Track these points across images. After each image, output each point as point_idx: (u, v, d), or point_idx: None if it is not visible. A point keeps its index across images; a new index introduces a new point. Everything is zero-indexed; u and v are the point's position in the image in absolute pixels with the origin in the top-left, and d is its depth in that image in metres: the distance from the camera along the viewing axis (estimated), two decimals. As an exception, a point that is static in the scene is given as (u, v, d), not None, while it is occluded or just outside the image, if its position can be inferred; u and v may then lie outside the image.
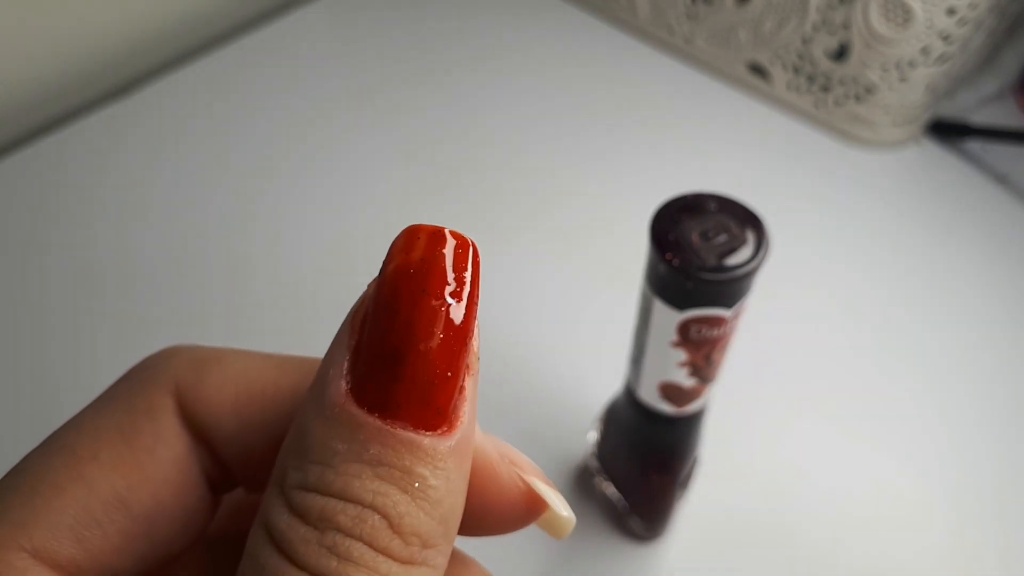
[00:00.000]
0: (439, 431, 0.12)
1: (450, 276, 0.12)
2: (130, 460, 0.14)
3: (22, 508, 0.13)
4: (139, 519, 0.14)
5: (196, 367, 0.15)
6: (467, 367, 0.12)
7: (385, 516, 0.12)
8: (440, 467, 0.12)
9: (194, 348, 0.15)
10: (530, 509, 0.15)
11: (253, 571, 0.12)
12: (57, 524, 0.13)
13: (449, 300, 0.12)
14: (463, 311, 0.12)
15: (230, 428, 0.15)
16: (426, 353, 0.12)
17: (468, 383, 0.12)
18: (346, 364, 0.12)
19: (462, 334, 0.12)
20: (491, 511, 0.15)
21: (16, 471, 0.13)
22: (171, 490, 0.14)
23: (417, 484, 0.12)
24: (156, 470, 0.14)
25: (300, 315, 0.41)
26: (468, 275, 0.12)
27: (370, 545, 0.11)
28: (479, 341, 0.13)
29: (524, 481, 0.15)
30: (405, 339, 0.12)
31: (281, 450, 0.13)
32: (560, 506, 0.15)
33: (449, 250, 0.12)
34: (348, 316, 0.13)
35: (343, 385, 0.12)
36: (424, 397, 0.12)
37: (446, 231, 0.12)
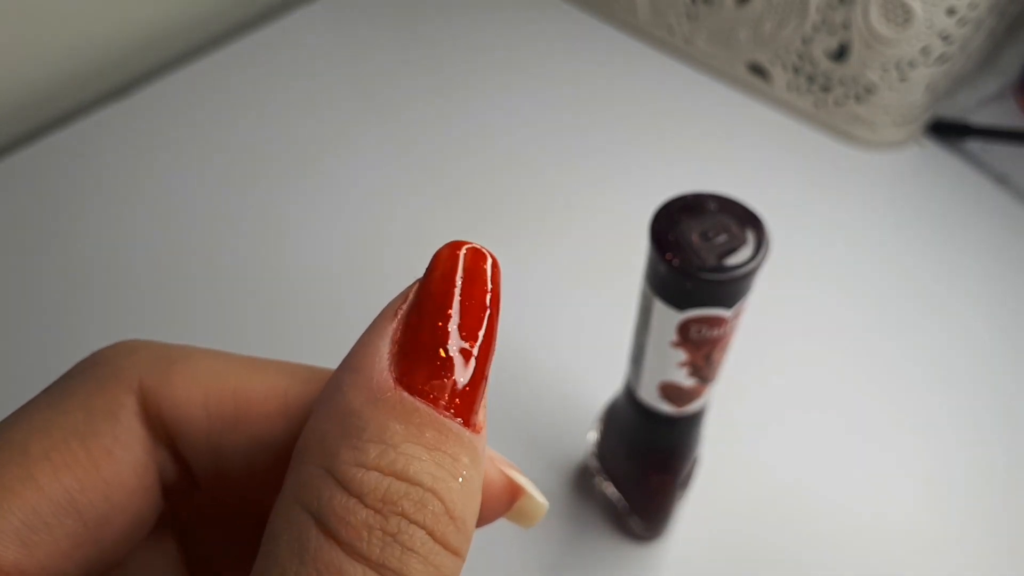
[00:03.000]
0: (470, 426, 0.13)
1: (487, 288, 0.13)
2: (85, 462, 0.13)
3: None
4: (90, 523, 0.13)
5: (162, 366, 0.14)
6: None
7: (441, 500, 0.12)
8: (476, 459, 0.13)
9: (157, 345, 0.15)
10: (509, 498, 0.16)
11: (298, 562, 0.11)
12: (4, 527, 0.12)
13: (487, 306, 0.13)
14: (494, 318, 0.13)
15: (199, 430, 0.14)
16: (467, 350, 0.13)
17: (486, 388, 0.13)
18: (388, 356, 0.12)
19: (491, 339, 0.13)
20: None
21: None
22: (125, 494, 0.13)
23: (465, 472, 0.12)
24: (112, 473, 0.13)
25: (298, 316, 0.41)
26: (495, 288, 0.13)
27: (431, 533, 0.12)
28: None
29: (504, 473, 0.16)
30: (453, 334, 0.13)
31: (317, 434, 0.12)
32: (536, 492, 0.16)
33: (486, 265, 0.13)
34: (387, 308, 0.13)
35: (391, 372, 0.12)
36: (467, 394, 0.13)
37: (482, 248, 0.14)
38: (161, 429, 0.14)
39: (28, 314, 0.41)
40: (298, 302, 0.42)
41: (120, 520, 0.14)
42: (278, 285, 0.43)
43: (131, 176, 0.48)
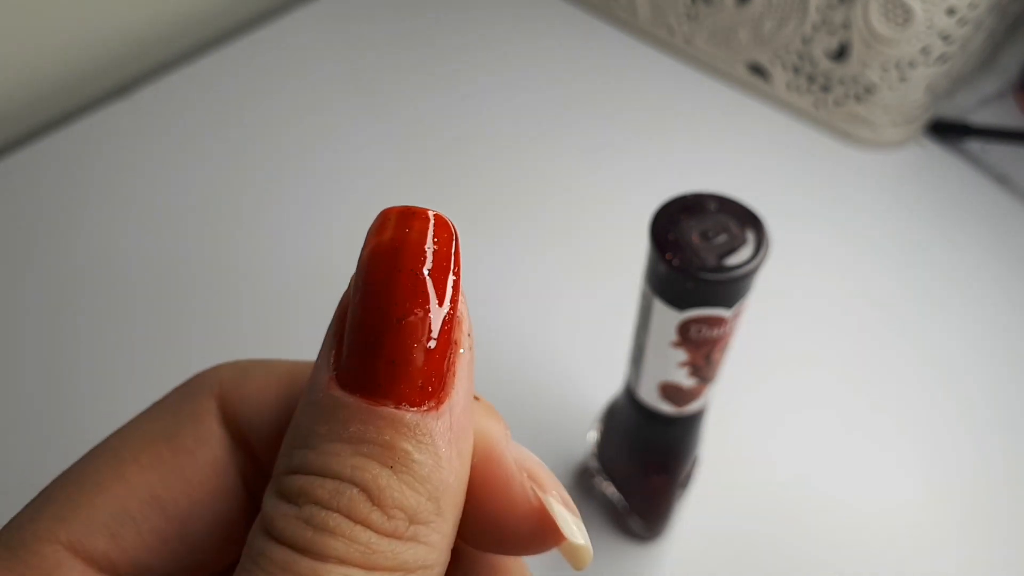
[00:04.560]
0: (424, 407, 0.12)
1: (423, 251, 0.12)
2: (169, 462, 0.14)
3: (63, 503, 0.13)
4: (174, 519, 0.14)
5: (240, 372, 0.15)
6: (454, 343, 0.12)
7: (364, 489, 0.11)
8: (425, 442, 0.12)
9: (239, 360, 0.16)
10: (541, 528, 0.14)
11: (247, 557, 0.12)
12: (93, 520, 0.13)
13: (424, 274, 0.12)
14: (441, 285, 0.12)
15: (271, 430, 0.15)
16: (402, 327, 0.12)
17: (458, 360, 0.12)
18: (332, 354, 0.12)
19: (440, 307, 0.12)
20: (501, 523, 0.14)
21: (67, 471, 0.14)
22: (207, 492, 0.14)
23: (399, 458, 0.12)
24: (194, 472, 0.14)
25: (300, 313, 0.41)
26: (440, 249, 0.12)
27: (347, 516, 0.11)
28: (469, 320, 0.13)
29: (537, 497, 0.14)
30: (383, 316, 0.12)
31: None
32: (575, 532, 0.14)
33: (420, 226, 0.12)
34: (335, 311, 0.13)
35: (329, 373, 0.12)
36: (404, 373, 0.12)
37: (416, 209, 0.12)
38: (237, 431, 0.15)
39: (28, 314, 0.41)
40: (302, 300, 0.42)
41: (204, 517, 0.14)
42: (278, 283, 0.43)
43: (131, 176, 0.48)
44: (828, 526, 0.34)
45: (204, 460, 0.14)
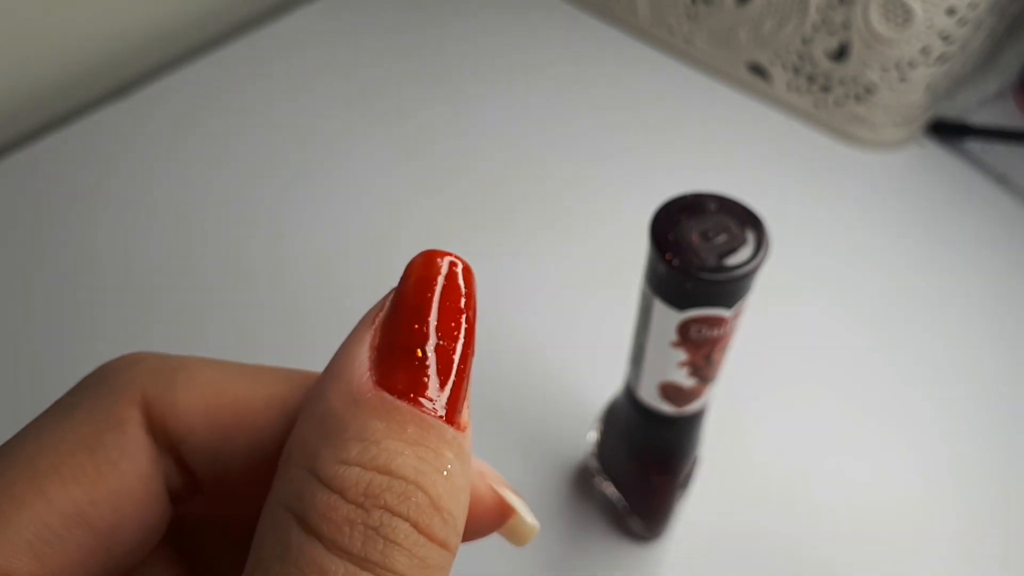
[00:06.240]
0: (453, 425, 0.13)
1: (462, 290, 0.13)
2: (93, 474, 0.13)
3: None
4: (100, 534, 0.13)
5: (165, 377, 0.14)
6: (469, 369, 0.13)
7: (426, 493, 0.12)
8: (459, 456, 0.13)
9: (160, 356, 0.15)
10: (498, 516, 0.16)
11: (280, 562, 0.11)
12: (16, 540, 0.12)
13: (462, 309, 0.13)
14: (471, 321, 0.13)
15: (201, 439, 0.14)
16: (446, 351, 0.13)
17: (468, 388, 0.13)
18: (367, 361, 0.13)
19: (470, 340, 0.13)
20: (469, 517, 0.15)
21: None
22: (133, 504, 0.14)
23: (449, 467, 0.12)
24: (119, 484, 0.14)
25: (299, 317, 0.41)
26: (467, 292, 0.14)
27: (415, 525, 0.12)
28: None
29: (494, 490, 0.16)
30: (430, 336, 0.13)
31: (299, 439, 0.12)
32: (526, 513, 0.16)
33: (459, 271, 0.14)
34: (365, 317, 0.13)
35: (370, 376, 0.12)
36: (443, 390, 0.13)
37: (453, 256, 0.14)
38: (164, 438, 0.14)
39: (27, 314, 0.41)
40: (296, 303, 0.42)
41: (130, 529, 0.14)
42: (277, 286, 0.43)
43: (131, 176, 0.48)
44: (829, 526, 0.34)
45: (129, 471, 0.14)
